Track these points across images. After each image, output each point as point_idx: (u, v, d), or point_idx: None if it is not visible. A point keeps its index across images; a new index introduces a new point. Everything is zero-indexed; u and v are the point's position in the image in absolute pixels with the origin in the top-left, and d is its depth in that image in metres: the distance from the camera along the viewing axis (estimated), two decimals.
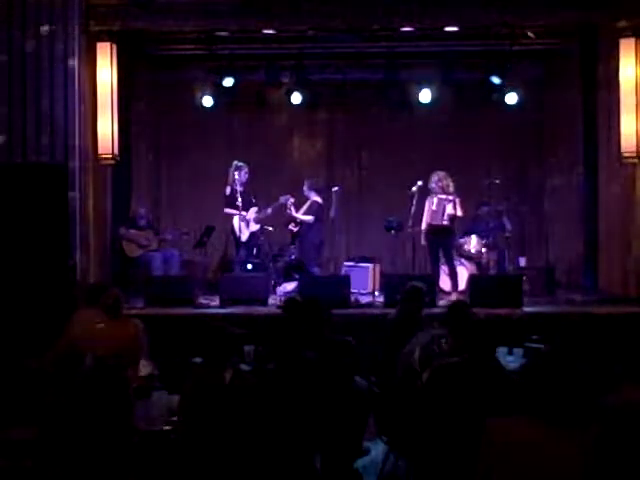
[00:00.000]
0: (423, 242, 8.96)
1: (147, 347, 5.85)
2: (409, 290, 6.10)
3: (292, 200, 9.63)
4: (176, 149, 11.41)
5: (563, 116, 10.64)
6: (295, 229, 9.76)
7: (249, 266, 9.65)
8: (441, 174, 8.85)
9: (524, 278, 8.68)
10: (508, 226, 9.80)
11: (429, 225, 8.80)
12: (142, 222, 9.72)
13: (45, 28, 7.82)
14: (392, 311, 6.38)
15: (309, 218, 9.58)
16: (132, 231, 9.57)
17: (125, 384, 3.33)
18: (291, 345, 4.45)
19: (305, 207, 9.70)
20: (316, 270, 9.53)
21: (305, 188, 9.78)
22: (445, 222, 8.68)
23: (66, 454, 3.14)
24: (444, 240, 8.86)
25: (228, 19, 8.43)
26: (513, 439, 2.78)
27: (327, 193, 9.85)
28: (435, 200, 8.77)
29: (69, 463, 3.07)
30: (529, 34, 9.26)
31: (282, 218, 10.10)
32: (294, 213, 9.66)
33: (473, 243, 9.72)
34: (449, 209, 8.63)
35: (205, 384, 4.12)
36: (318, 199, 9.66)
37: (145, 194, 10.99)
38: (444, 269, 9.06)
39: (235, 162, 9.62)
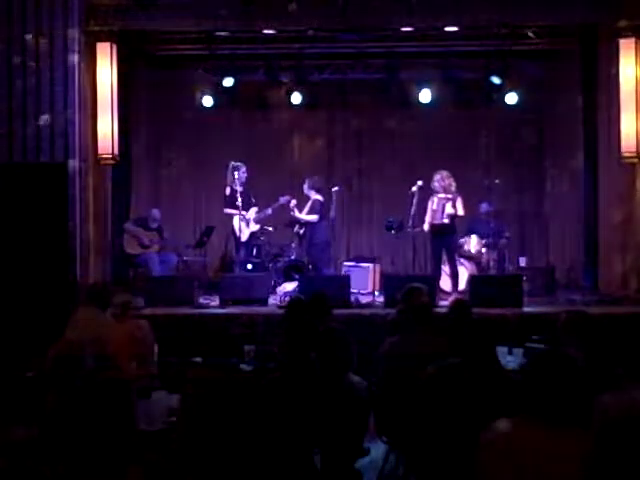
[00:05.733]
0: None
1: (154, 347, 5.82)
2: (408, 291, 6.10)
3: (294, 202, 9.61)
4: (176, 149, 11.41)
5: (563, 116, 10.63)
6: (301, 231, 9.72)
7: (249, 266, 9.65)
8: (444, 174, 8.85)
9: (524, 278, 8.68)
10: (507, 233, 9.79)
11: (431, 225, 8.82)
12: (153, 225, 9.78)
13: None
14: (392, 311, 6.38)
15: (313, 217, 9.54)
16: (138, 228, 9.63)
17: (126, 384, 3.32)
18: (294, 345, 4.44)
19: (307, 207, 9.66)
20: (327, 270, 9.51)
21: (305, 187, 9.74)
22: (445, 220, 8.69)
23: (67, 454, 3.14)
24: (447, 240, 8.87)
25: (228, 19, 8.43)
26: (513, 439, 2.78)
27: (327, 193, 9.84)
28: (435, 200, 8.79)
29: (70, 463, 3.07)
30: (529, 34, 9.27)
31: (282, 218, 10.10)
32: (297, 214, 9.62)
33: (473, 243, 9.72)
34: (448, 208, 8.65)
35: (205, 384, 4.12)
36: (319, 197, 9.63)
37: (145, 194, 11.00)
38: (445, 269, 9.05)
39: (232, 162, 9.62)
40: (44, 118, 7.82)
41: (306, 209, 9.65)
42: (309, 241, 9.61)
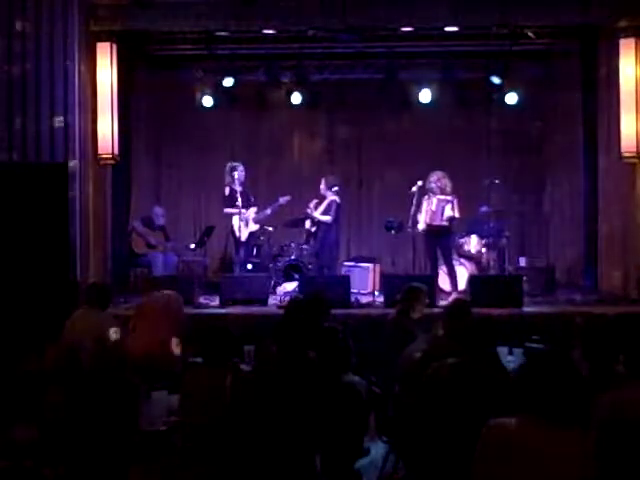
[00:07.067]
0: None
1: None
2: (408, 290, 6.11)
3: (316, 201, 9.59)
4: (176, 149, 11.41)
5: (563, 116, 10.63)
6: (313, 228, 9.69)
7: (249, 266, 9.65)
8: (439, 174, 8.84)
9: (524, 278, 8.67)
10: (506, 233, 9.78)
11: (428, 225, 8.78)
12: (159, 222, 9.82)
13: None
14: (392, 311, 6.38)
15: (327, 218, 9.51)
16: (145, 229, 9.68)
17: (128, 384, 3.32)
18: (293, 345, 4.45)
19: (323, 206, 9.57)
20: (333, 271, 9.49)
21: (322, 187, 9.63)
22: (444, 223, 8.68)
23: (67, 454, 3.14)
24: (442, 240, 8.86)
25: (228, 19, 8.43)
26: (513, 439, 2.78)
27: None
28: (434, 201, 8.75)
29: (70, 463, 3.07)
30: (529, 34, 9.26)
31: (282, 218, 10.10)
32: (314, 212, 9.59)
33: (473, 243, 9.72)
34: (448, 210, 8.63)
35: (205, 384, 4.12)
36: (336, 198, 9.58)
37: (145, 194, 11.00)
38: (443, 269, 9.05)
39: (229, 163, 9.62)
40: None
41: (321, 209, 9.60)
42: (320, 241, 9.57)
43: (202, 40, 9.45)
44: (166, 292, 6.39)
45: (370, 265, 9.65)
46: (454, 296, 8.46)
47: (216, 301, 8.41)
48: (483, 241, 9.67)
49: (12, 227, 7.34)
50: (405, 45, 9.80)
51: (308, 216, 9.67)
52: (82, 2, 8.07)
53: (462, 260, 9.55)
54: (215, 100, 10.22)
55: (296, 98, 10.29)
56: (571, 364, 2.87)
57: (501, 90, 9.82)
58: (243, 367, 4.94)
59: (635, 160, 8.48)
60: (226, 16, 8.37)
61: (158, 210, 10.02)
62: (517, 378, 2.96)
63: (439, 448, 3.86)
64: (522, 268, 9.78)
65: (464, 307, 5.45)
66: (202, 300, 8.50)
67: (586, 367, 3.51)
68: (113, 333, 5.62)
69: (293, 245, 9.79)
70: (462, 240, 9.71)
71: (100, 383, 3.38)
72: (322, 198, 9.65)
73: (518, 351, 5.71)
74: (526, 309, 7.94)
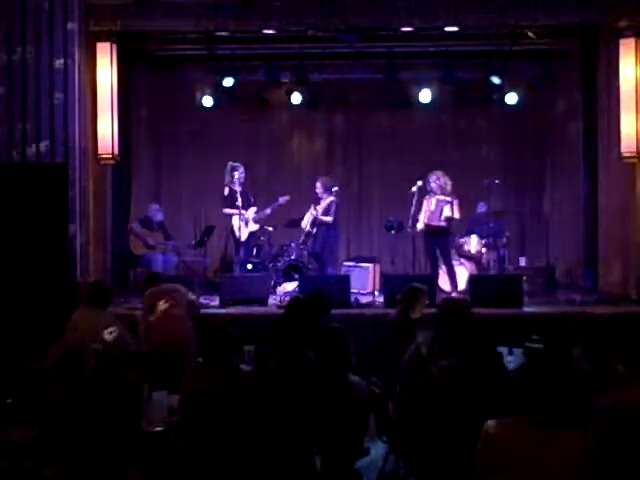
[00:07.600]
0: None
1: None
2: (408, 291, 6.11)
3: (320, 208, 9.60)
4: (176, 149, 11.41)
5: (563, 116, 10.64)
6: (313, 229, 9.67)
7: (249, 266, 9.65)
8: (439, 173, 8.86)
9: (524, 278, 8.67)
10: (506, 233, 9.78)
11: (426, 225, 8.80)
12: (157, 218, 9.80)
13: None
14: (392, 311, 6.38)
15: (328, 219, 9.49)
16: (144, 230, 9.67)
17: (130, 384, 3.32)
18: (293, 345, 4.45)
19: (323, 207, 9.56)
20: (333, 270, 9.49)
21: (320, 190, 9.61)
22: (442, 223, 8.69)
23: (67, 454, 3.14)
24: (441, 240, 8.87)
25: (228, 19, 8.42)
26: (513, 440, 2.78)
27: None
28: (433, 201, 8.78)
29: (70, 463, 3.06)
30: (529, 34, 9.27)
31: (282, 218, 10.10)
32: (319, 215, 9.58)
33: (473, 243, 9.71)
34: (446, 211, 8.64)
35: (205, 384, 4.12)
36: (335, 199, 9.58)
37: (145, 194, 11.00)
38: (443, 268, 9.05)
39: (230, 163, 9.62)
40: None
41: (320, 209, 9.59)
42: (321, 241, 9.55)
43: (202, 40, 9.44)
44: (170, 284, 6.44)
45: (370, 265, 9.65)
46: (454, 296, 8.47)
47: (216, 301, 8.40)
48: (483, 241, 9.66)
49: (12, 227, 7.33)
50: (405, 45, 9.79)
51: (313, 217, 9.65)
52: (82, 2, 8.07)
53: (462, 260, 9.55)
54: (215, 100, 10.22)
55: (296, 98, 10.29)
56: (571, 364, 2.87)
57: (501, 90, 9.82)
58: (243, 367, 4.94)
59: (635, 160, 8.48)
60: (226, 16, 8.37)
61: (154, 206, 10.00)
62: (517, 378, 2.96)
63: (439, 448, 3.86)
64: (522, 268, 9.78)
65: (457, 307, 5.42)
66: (202, 300, 8.48)
67: (586, 367, 3.51)
68: (107, 334, 5.58)
69: (293, 245, 9.78)
70: (462, 240, 9.72)
71: (101, 383, 3.38)
72: (318, 199, 9.66)
73: (518, 351, 5.71)
74: (526, 309, 7.94)
